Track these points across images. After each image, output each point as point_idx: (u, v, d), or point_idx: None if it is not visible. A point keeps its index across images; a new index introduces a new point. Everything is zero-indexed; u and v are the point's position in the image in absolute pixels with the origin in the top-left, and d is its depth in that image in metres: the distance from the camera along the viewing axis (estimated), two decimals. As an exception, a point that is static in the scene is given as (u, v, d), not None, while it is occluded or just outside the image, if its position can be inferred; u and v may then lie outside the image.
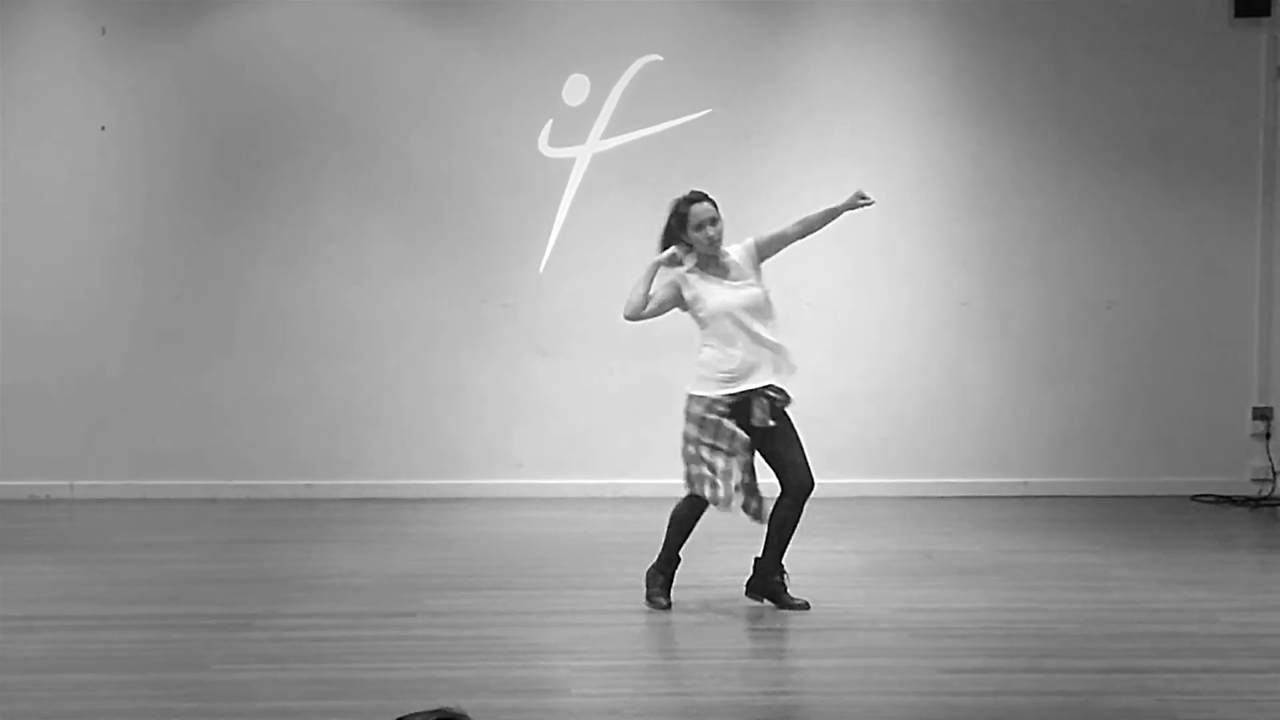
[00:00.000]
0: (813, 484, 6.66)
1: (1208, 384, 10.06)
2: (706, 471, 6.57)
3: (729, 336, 6.61)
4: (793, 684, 6.04)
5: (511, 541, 8.46)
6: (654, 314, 6.82)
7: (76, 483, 9.80)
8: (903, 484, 9.89)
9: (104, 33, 9.78)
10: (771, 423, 6.59)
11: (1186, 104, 9.96)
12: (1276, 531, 9.23)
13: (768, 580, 6.77)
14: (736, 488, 6.56)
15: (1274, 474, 9.99)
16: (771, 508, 6.70)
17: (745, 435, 6.57)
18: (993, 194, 9.99)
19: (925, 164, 9.95)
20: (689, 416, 6.64)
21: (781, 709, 5.57)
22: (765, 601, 6.80)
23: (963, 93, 9.97)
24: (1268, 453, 10.02)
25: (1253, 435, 10.06)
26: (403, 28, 9.87)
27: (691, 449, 6.62)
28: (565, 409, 9.88)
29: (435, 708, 2.62)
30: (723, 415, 6.57)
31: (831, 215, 6.81)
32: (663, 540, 6.83)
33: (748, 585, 6.82)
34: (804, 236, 6.84)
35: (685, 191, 6.78)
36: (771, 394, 6.61)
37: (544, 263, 9.89)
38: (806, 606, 6.74)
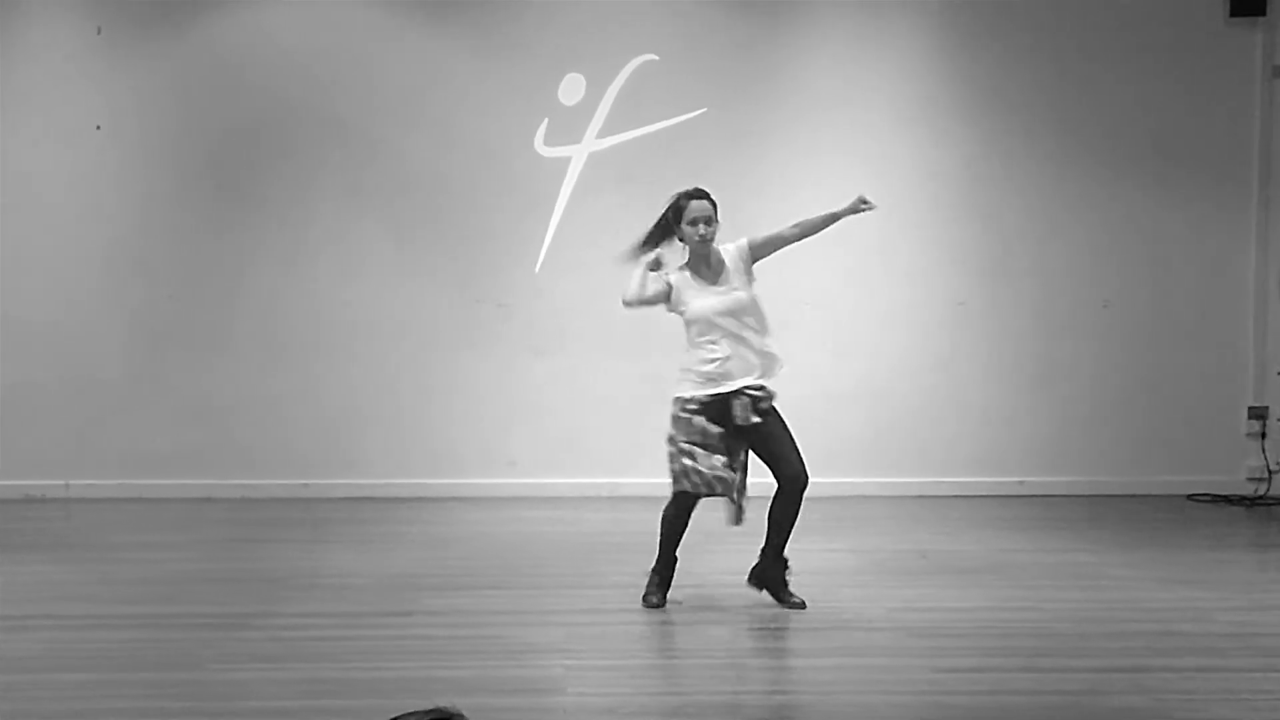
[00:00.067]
0: (806, 477, 6.68)
1: (1204, 383, 10.07)
2: (686, 462, 6.62)
3: (710, 339, 6.68)
4: (788, 683, 6.05)
5: (508, 541, 8.46)
6: (650, 304, 6.86)
7: (72, 482, 9.80)
8: (899, 483, 9.89)
9: (100, 32, 9.77)
10: (754, 419, 6.62)
11: (1182, 104, 9.96)
12: (1272, 530, 9.24)
13: (768, 573, 6.80)
14: (716, 478, 6.59)
15: (1269, 473, 10.00)
16: (768, 509, 6.73)
17: (719, 430, 6.60)
18: (989, 193, 9.99)
19: (922, 164, 9.95)
20: (672, 417, 6.71)
21: (777, 708, 5.58)
22: (763, 593, 6.81)
23: (959, 92, 9.97)
24: (1263, 452, 10.02)
25: (1248, 434, 10.07)
26: (399, 28, 9.86)
27: (672, 448, 6.69)
28: (561, 408, 9.88)
29: (431, 707, 2.63)
30: (694, 414, 6.63)
31: (832, 219, 6.86)
32: (657, 543, 6.86)
33: (750, 574, 6.85)
34: (801, 239, 6.88)
35: (689, 187, 6.82)
36: (751, 392, 6.64)
37: (539, 262, 9.89)
38: (803, 605, 6.75)
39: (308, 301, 9.87)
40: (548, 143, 9.86)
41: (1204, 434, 10.06)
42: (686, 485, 6.65)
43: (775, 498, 6.73)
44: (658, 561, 6.87)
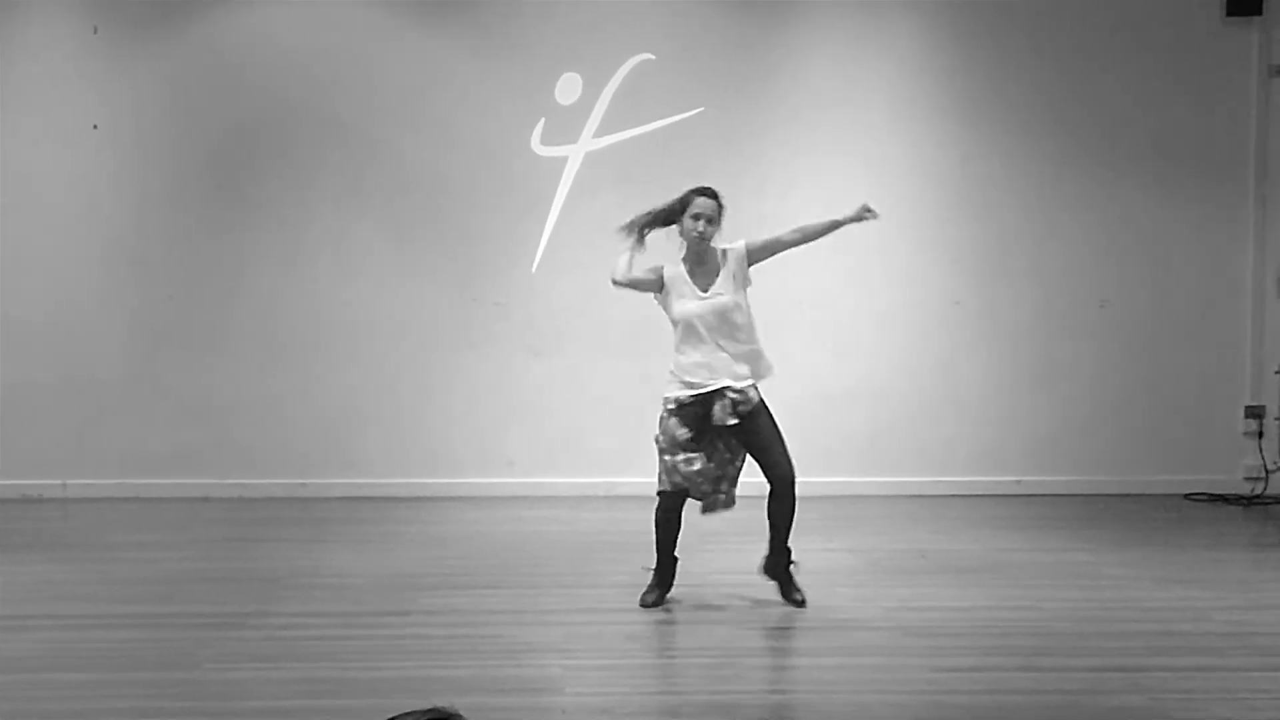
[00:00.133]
0: (793, 474, 6.71)
1: (1201, 382, 10.07)
2: (667, 459, 6.68)
3: (692, 341, 6.72)
4: (786, 682, 6.05)
5: (506, 540, 8.46)
6: (639, 288, 6.88)
7: (70, 482, 9.79)
8: (896, 482, 9.89)
9: (96, 31, 9.77)
10: (732, 421, 6.64)
11: (1180, 103, 9.97)
12: (1269, 530, 9.24)
13: (778, 565, 6.83)
14: (694, 476, 6.63)
15: (1266, 472, 10.00)
16: (765, 509, 6.76)
17: (688, 432, 6.63)
18: (986, 193, 10.00)
19: (919, 163, 9.96)
20: (659, 418, 6.73)
21: (775, 707, 5.58)
22: (772, 581, 6.84)
23: (956, 92, 9.97)
24: (1260, 451, 10.03)
25: (1245, 434, 10.08)
26: (398, 28, 9.86)
27: (658, 447, 6.73)
28: (558, 408, 9.88)
29: (429, 706, 2.62)
30: (671, 414, 6.68)
31: (834, 226, 6.89)
32: (654, 545, 6.88)
33: (761, 563, 6.87)
34: (801, 245, 6.91)
35: (705, 185, 6.86)
36: (732, 394, 6.65)
37: (536, 262, 9.89)
38: (802, 604, 6.76)
39: (306, 301, 9.87)
40: (545, 142, 9.85)
41: (1201, 433, 10.06)
42: (666, 484, 6.71)
43: (769, 498, 6.76)
44: (657, 564, 6.89)
